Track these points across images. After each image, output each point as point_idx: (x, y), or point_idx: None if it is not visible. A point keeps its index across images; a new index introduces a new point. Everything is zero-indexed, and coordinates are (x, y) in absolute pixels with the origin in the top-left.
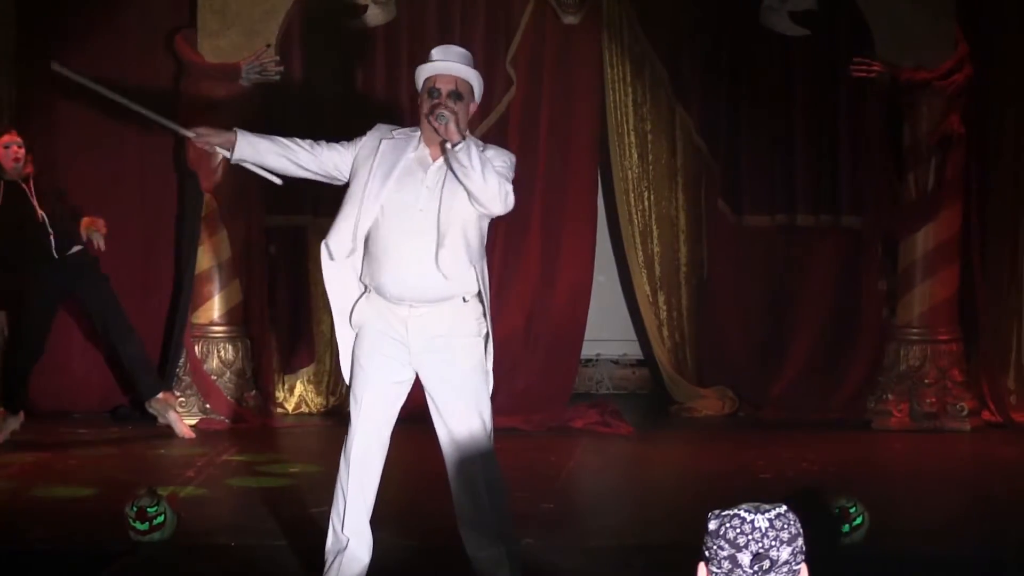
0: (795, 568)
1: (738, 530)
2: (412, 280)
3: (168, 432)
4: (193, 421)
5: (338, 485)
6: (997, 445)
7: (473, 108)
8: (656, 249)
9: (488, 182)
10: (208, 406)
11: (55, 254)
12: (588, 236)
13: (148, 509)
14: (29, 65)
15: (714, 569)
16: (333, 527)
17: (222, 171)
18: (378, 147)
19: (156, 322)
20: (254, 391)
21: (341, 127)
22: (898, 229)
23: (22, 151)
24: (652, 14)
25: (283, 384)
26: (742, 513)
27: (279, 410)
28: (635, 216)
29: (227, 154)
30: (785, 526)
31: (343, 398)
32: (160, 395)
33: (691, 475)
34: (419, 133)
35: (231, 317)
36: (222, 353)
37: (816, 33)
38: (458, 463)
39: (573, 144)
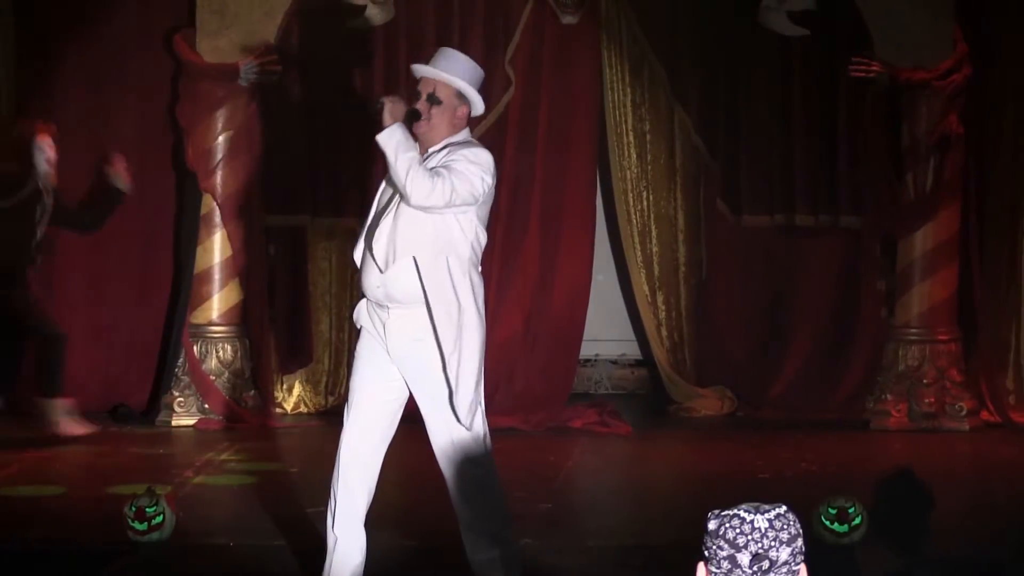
0: (794, 568)
1: (738, 530)
2: (376, 281)
3: (169, 432)
4: (191, 421)
5: (333, 482)
6: (996, 445)
7: (462, 114)
8: (655, 249)
9: (401, 170)
10: (206, 406)
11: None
12: (587, 236)
13: (147, 509)
14: (27, 64)
15: (713, 569)
16: (327, 526)
17: (221, 171)
18: None
19: (155, 322)
20: (253, 391)
21: (339, 127)
22: (897, 229)
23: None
24: (651, 14)
25: (282, 384)
26: (742, 513)
27: (277, 410)
28: (634, 216)
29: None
30: (785, 526)
31: (341, 398)
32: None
33: (690, 475)
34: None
35: (230, 317)
36: (221, 353)
37: (815, 33)
38: (448, 467)
39: (572, 144)
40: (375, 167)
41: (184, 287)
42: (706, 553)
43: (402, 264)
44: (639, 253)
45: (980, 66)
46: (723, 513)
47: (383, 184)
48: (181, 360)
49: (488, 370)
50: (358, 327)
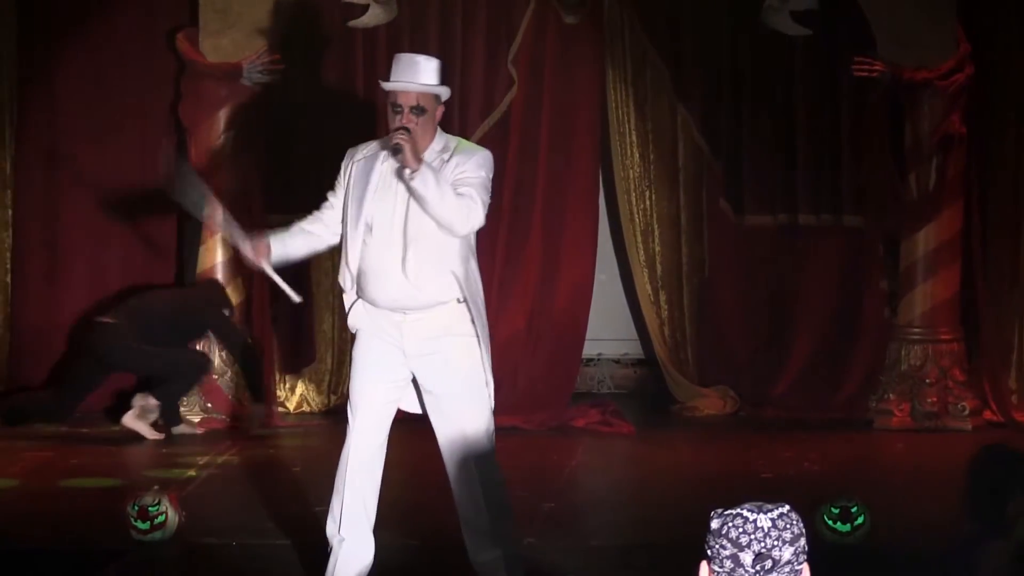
0: (797, 568)
1: (740, 529)
2: (392, 291)
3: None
4: (195, 420)
5: (335, 486)
6: None
7: (440, 113)
8: (657, 248)
9: (445, 206)
10: (209, 405)
11: None
12: (589, 235)
13: (149, 508)
14: (29, 63)
15: (716, 568)
16: (330, 527)
17: (224, 170)
18: (349, 173)
19: None
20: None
21: (341, 127)
22: (899, 228)
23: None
24: (654, 14)
25: (284, 383)
26: (745, 512)
27: (280, 409)
28: (636, 215)
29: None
30: (788, 526)
31: (344, 397)
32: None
33: (692, 474)
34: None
35: None
36: (223, 352)
37: (817, 32)
38: (455, 465)
39: (574, 143)
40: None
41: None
42: (709, 552)
43: (416, 271)
44: (642, 252)
45: (983, 66)
46: (726, 512)
47: (358, 204)
48: None
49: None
50: (353, 331)
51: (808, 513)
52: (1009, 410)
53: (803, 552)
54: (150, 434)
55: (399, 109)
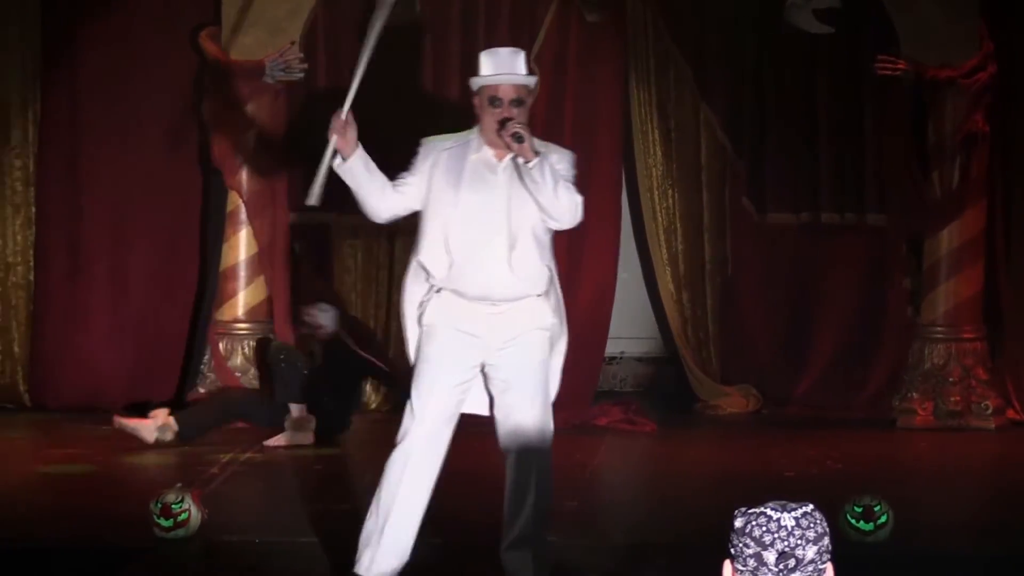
0: (821, 567)
1: (764, 528)
2: (490, 281)
3: None
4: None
5: (387, 479)
6: (1022, 443)
7: (532, 103)
8: (680, 247)
9: (560, 198)
10: None
11: None
12: (612, 233)
13: (173, 506)
14: (53, 63)
15: (740, 567)
16: (373, 518)
17: (247, 168)
18: (437, 161)
19: (181, 319)
20: None
21: (364, 124)
22: (923, 227)
23: None
24: (676, 12)
25: None
26: (768, 511)
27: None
28: (659, 213)
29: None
30: (811, 525)
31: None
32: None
33: (715, 473)
34: (475, 135)
35: (255, 314)
36: (246, 350)
37: (840, 31)
38: (517, 455)
39: (597, 142)
40: (393, 162)
41: (210, 284)
42: (732, 551)
43: (521, 262)
44: (664, 251)
45: (1006, 64)
46: (750, 511)
47: (452, 191)
48: (207, 357)
49: None
50: (421, 326)
51: (831, 512)
52: None
53: (827, 551)
54: (149, 436)
55: (499, 103)
